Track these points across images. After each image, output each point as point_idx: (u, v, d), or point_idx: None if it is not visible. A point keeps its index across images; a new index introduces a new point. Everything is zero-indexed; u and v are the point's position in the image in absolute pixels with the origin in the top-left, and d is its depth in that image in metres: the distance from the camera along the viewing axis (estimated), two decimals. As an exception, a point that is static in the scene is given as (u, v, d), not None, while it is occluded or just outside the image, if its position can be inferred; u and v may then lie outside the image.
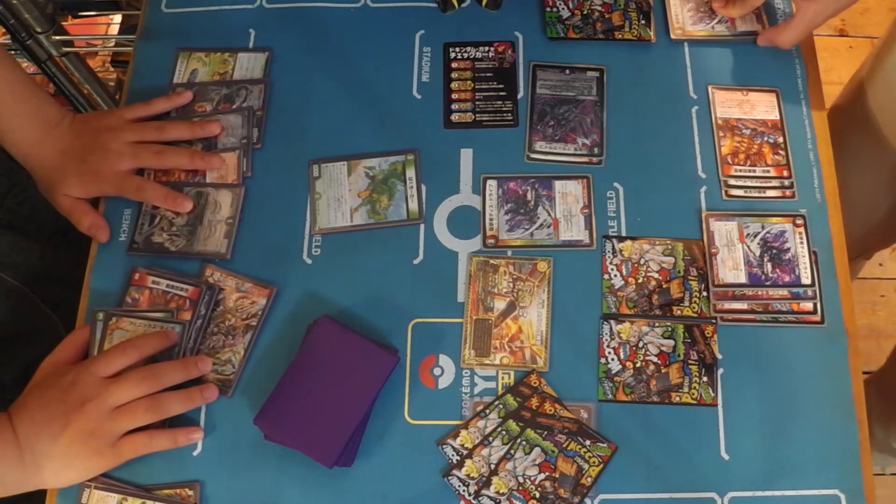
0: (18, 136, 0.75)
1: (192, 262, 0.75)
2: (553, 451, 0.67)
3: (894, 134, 0.90)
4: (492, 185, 0.77)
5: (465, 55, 0.83)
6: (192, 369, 0.68)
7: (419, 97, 0.81)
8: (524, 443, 0.67)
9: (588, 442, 0.67)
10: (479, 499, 0.66)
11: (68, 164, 0.74)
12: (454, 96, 0.81)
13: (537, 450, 0.67)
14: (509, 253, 0.74)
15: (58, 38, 1.23)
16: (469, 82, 0.82)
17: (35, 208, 0.85)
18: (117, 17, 1.45)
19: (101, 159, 0.74)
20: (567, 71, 0.82)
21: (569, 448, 0.67)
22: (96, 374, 0.65)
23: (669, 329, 0.71)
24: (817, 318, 0.72)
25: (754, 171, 0.77)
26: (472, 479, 0.67)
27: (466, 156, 0.78)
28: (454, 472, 0.67)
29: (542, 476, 0.66)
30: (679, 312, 0.72)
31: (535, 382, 0.70)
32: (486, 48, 0.83)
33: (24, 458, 0.63)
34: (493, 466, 0.67)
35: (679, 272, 0.73)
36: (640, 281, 0.73)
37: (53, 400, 0.64)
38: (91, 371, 0.65)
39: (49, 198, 0.76)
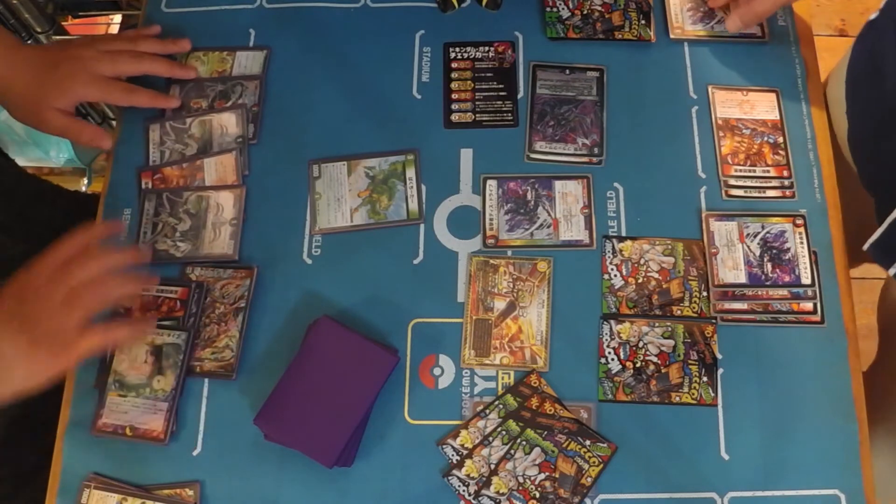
0: None
1: (173, 265, 0.74)
2: (553, 451, 0.67)
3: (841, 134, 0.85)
4: (492, 185, 0.77)
5: (465, 55, 0.83)
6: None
7: (419, 97, 0.81)
8: (524, 443, 0.67)
9: (588, 442, 0.67)
10: (479, 499, 0.66)
11: (43, 76, 0.73)
12: (454, 96, 0.81)
13: (537, 450, 0.67)
14: (509, 253, 0.74)
15: (58, 38, 1.23)
16: (469, 82, 0.82)
17: (24, 207, 0.85)
18: (117, 17, 1.45)
19: (77, 65, 0.74)
20: (567, 71, 0.82)
21: (569, 448, 0.67)
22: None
23: (669, 329, 0.71)
24: (817, 318, 0.72)
25: (754, 171, 0.77)
26: (472, 479, 0.67)
27: (466, 156, 0.78)
28: (454, 472, 0.67)
29: (542, 476, 0.66)
30: (679, 312, 0.72)
31: (535, 382, 0.70)
32: (486, 48, 0.83)
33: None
34: (493, 466, 0.67)
35: (679, 272, 0.73)
36: (640, 281, 0.73)
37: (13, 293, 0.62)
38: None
39: (38, 122, 0.74)
